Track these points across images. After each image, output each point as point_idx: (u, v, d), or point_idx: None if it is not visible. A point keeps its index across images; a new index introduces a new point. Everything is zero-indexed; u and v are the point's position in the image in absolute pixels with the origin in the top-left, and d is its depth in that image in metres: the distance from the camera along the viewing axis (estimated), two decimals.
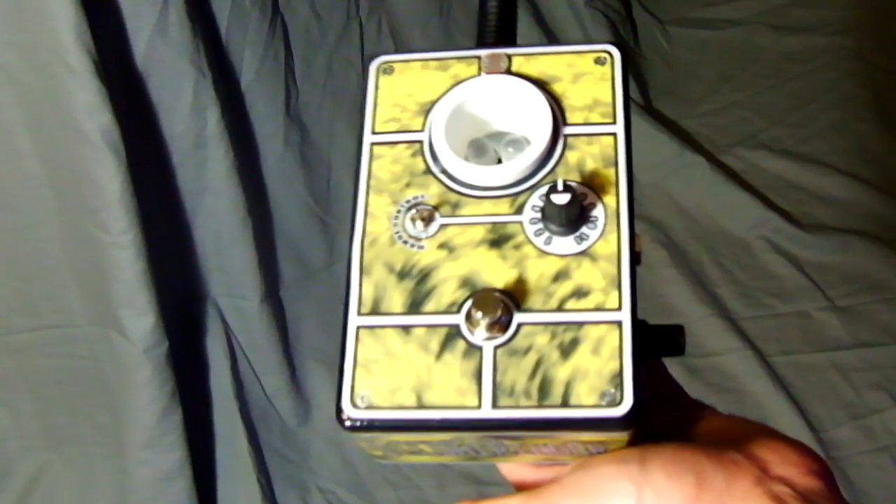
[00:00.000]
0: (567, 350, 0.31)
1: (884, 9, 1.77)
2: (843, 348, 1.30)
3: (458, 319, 0.32)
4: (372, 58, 0.38)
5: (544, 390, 0.31)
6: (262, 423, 1.21)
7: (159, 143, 1.06)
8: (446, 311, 0.32)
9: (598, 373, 0.31)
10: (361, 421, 0.32)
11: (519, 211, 0.34)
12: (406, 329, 0.32)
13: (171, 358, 1.03)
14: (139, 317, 1.00)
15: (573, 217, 0.32)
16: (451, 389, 0.31)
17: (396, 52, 0.39)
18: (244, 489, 1.16)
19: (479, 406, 0.31)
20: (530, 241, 0.33)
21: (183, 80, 1.04)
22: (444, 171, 0.35)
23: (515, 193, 0.34)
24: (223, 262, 1.15)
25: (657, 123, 1.59)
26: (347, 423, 0.32)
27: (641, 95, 1.68)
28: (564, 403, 0.31)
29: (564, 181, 0.32)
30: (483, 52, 0.37)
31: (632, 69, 1.70)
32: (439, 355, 0.32)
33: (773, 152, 1.56)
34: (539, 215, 0.33)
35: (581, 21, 1.70)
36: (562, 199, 0.32)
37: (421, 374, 0.32)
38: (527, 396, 0.31)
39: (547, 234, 0.33)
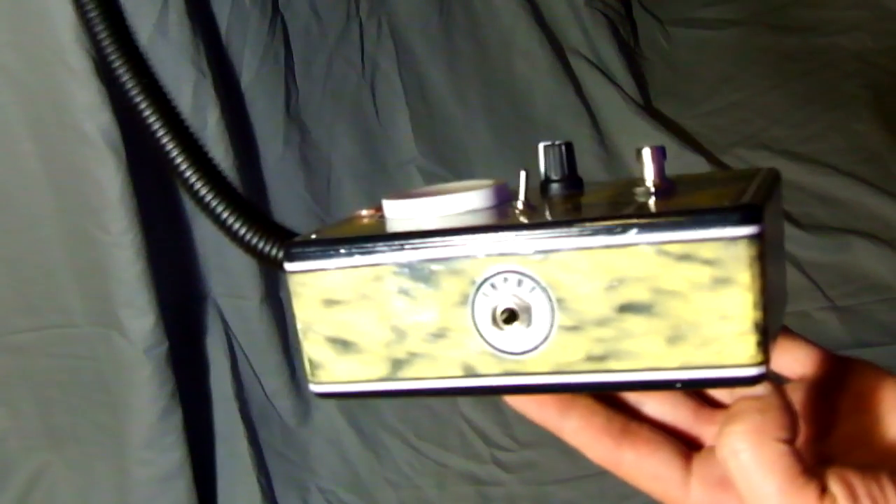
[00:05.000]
0: None
1: (884, 9, 1.77)
2: (843, 348, 1.30)
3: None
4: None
5: None
6: (262, 423, 1.21)
7: None
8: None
9: None
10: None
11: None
12: None
13: (171, 358, 1.03)
14: (139, 317, 1.00)
15: None
16: None
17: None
18: (244, 489, 1.16)
19: None
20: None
21: (183, 80, 1.04)
22: None
23: None
24: (223, 262, 1.15)
25: (657, 123, 1.59)
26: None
27: (641, 95, 1.68)
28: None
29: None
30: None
31: (632, 69, 1.70)
32: None
33: (773, 152, 1.56)
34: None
35: (581, 21, 1.70)
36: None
37: None
38: None
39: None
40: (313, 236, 0.33)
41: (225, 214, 0.36)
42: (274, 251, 0.35)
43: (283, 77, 1.26)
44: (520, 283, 0.31)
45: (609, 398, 0.34)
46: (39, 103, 0.94)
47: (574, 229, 0.30)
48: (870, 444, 0.33)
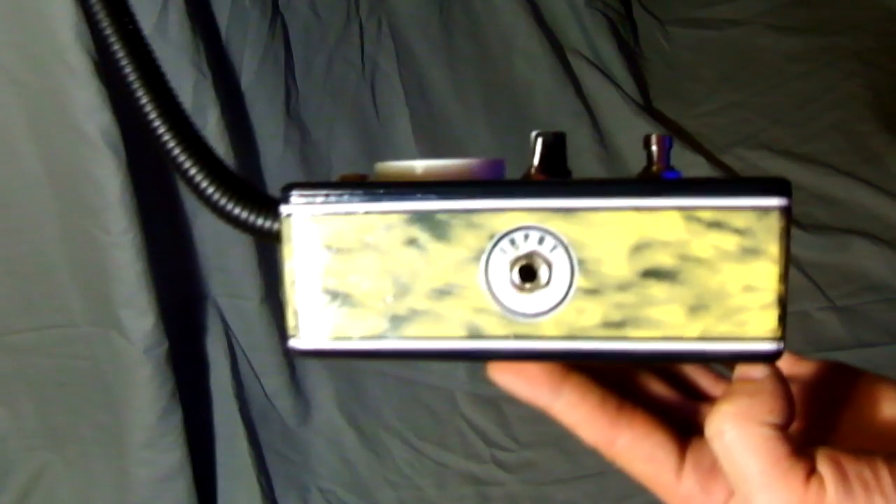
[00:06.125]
0: None
1: (884, 8, 1.77)
2: (843, 348, 1.30)
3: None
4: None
5: None
6: (262, 423, 1.21)
7: None
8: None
9: None
10: None
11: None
12: None
13: (171, 358, 1.03)
14: (139, 317, 1.00)
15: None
16: None
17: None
18: (244, 489, 1.16)
19: None
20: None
21: (183, 80, 1.04)
22: None
23: None
24: (223, 262, 1.15)
25: (657, 123, 1.59)
26: None
27: (641, 95, 1.68)
28: None
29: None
30: None
31: (632, 69, 1.70)
32: None
33: (773, 152, 1.57)
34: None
35: (581, 21, 1.70)
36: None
37: None
38: None
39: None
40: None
41: (203, 182, 0.34)
42: (254, 218, 0.33)
43: (283, 77, 1.26)
44: (541, 240, 0.30)
45: (603, 376, 0.33)
46: (39, 103, 0.94)
47: (605, 188, 0.29)
48: (858, 436, 0.33)
